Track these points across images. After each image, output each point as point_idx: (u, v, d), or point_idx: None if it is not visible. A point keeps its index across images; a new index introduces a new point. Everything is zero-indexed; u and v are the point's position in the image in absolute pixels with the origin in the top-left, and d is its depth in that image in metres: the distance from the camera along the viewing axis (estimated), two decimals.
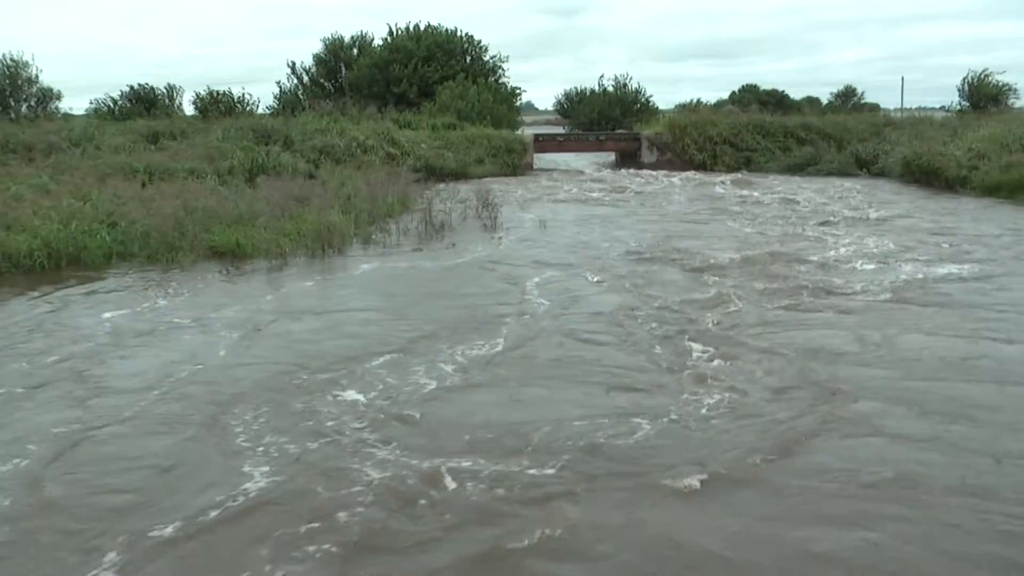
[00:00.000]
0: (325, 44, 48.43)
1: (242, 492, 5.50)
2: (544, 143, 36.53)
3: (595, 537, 4.96)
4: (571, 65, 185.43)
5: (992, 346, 8.63)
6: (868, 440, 6.31)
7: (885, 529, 5.00)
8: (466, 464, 5.88)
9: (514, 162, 31.91)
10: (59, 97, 42.58)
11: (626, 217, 19.44)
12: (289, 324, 9.84)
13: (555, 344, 8.89)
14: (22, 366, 8.35)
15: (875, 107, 57.21)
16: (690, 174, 30.78)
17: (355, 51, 47.89)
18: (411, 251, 14.92)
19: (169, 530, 5.03)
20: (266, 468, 5.87)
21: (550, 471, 5.79)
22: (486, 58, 47.03)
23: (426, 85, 42.87)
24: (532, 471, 5.79)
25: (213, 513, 5.23)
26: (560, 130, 48.80)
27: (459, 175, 28.68)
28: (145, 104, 40.32)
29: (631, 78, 52.27)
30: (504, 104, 41.45)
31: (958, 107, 42.39)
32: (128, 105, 40.46)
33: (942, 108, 44.72)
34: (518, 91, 46.24)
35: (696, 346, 8.64)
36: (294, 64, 48.62)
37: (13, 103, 40.66)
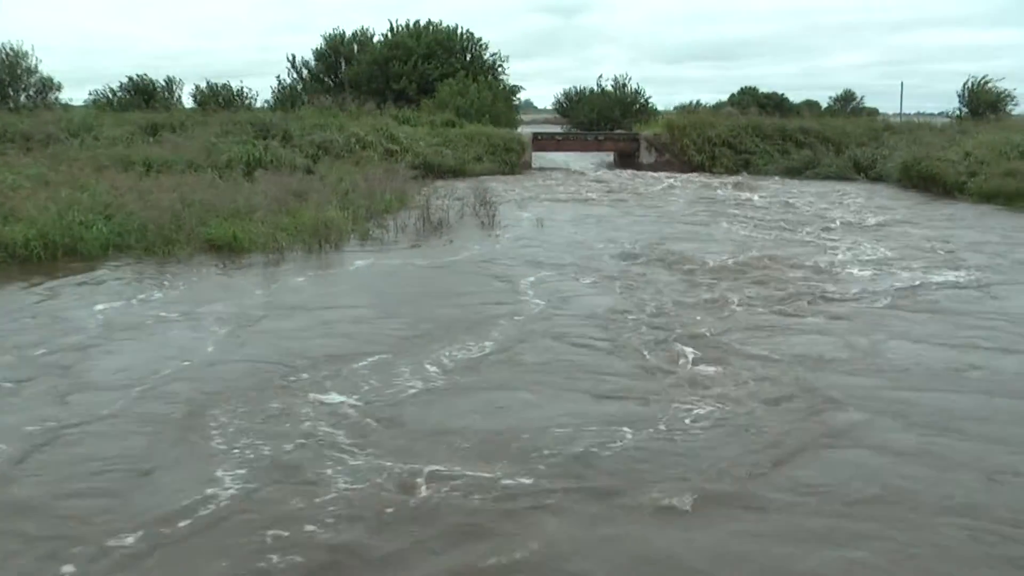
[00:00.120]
0: (326, 40, 48.46)
1: (211, 499, 5.35)
2: (543, 142, 36.46)
3: (574, 553, 4.82)
4: (571, 65, 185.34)
5: (983, 356, 8.55)
6: (855, 453, 6.19)
7: (871, 548, 4.87)
8: (442, 473, 5.73)
9: (512, 161, 31.85)
10: (58, 88, 42.62)
11: (623, 217, 19.40)
12: (280, 321, 9.76)
13: (544, 347, 8.80)
14: (9, 359, 8.27)
15: (874, 112, 57.25)
16: (688, 175, 30.75)
17: (355, 47, 47.88)
18: (408, 248, 14.89)
19: (130, 540, 4.87)
20: (239, 472, 5.73)
21: (529, 482, 5.64)
22: (486, 56, 47.06)
23: (426, 82, 42.81)
24: (510, 481, 5.64)
25: (179, 523, 5.07)
26: (559, 129, 48.77)
27: (457, 173, 28.62)
28: (144, 96, 40.33)
29: (630, 78, 52.23)
30: (503, 102, 41.44)
31: (958, 113, 42.49)
32: (127, 97, 40.47)
33: (941, 114, 44.83)
34: (517, 88, 46.30)
35: (686, 351, 8.54)
36: (294, 58, 48.67)
37: (12, 93, 40.65)
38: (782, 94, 61.32)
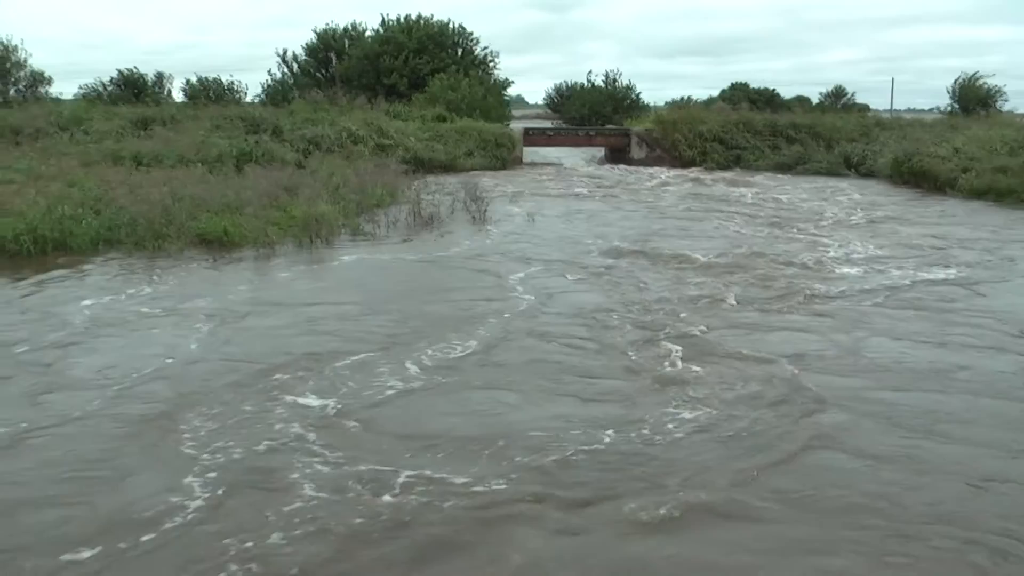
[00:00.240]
0: (317, 35, 48.35)
1: (177, 509, 5.18)
2: (534, 137, 36.41)
3: (553, 566, 4.70)
4: (563, 60, 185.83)
5: (969, 355, 8.48)
6: (838, 458, 6.08)
7: (855, 560, 4.75)
8: (415, 480, 5.58)
9: (503, 156, 31.81)
10: (49, 81, 42.53)
11: (613, 213, 19.35)
12: (266, 318, 9.67)
13: (529, 347, 8.69)
14: None
15: (864, 108, 57.29)
16: (679, 171, 30.73)
17: (347, 42, 47.81)
18: (398, 243, 14.84)
19: (87, 554, 4.69)
20: (208, 478, 5.59)
21: (504, 489, 5.49)
22: (477, 51, 47.02)
23: (417, 77, 42.73)
24: (483, 488, 5.49)
25: (141, 535, 4.88)
26: (550, 125, 48.78)
27: (448, 167, 28.57)
28: (134, 90, 40.24)
29: (620, 74, 52.35)
30: (494, 97, 41.41)
31: (950, 109, 42.63)
32: (118, 91, 40.38)
33: (932, 110, 44.98)
34: (508, 82, 46.26)
35: (670, 352, 8.45)
36: (285, 53, 48.57)
37: (2, 87, 40.52)
38: (773, 90, 61.42)
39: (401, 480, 5.58)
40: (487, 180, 25.02)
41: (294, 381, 7.46)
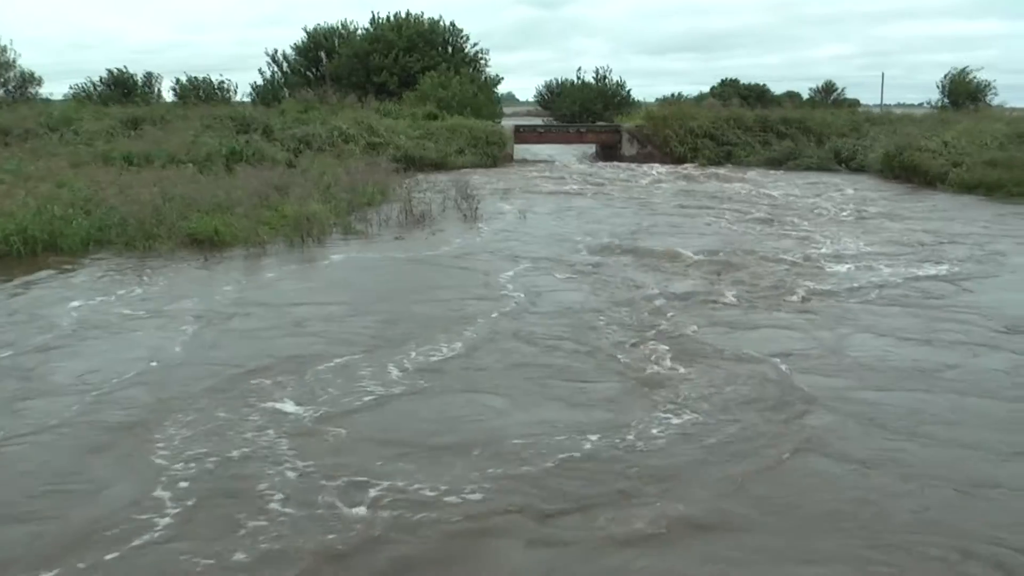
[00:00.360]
0: (308, 33, 48.29)
1: (145, 527, 5.01)
2: (524, 134, 36.37)
3: None
4: (553, 57, 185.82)
5: (955, 352, 8.42)
6: (821, 463, 5.95)
7: (839, 570, 4.65)
8: (389, 493, 5.40)
9: (494, 153, 31.76)
10: (39, 82, 42.48)
11: (603, 209, 19.31)
12: (252, 320, 9.57)
13: (517, 349, 8.57)
14: None
15: (855, 103, 57.43)
16: (670, 167, 30.69)
17: (336, 41, 47.75)
18: (390, 241, 14.78)
19: None
20: (180, 489, 5.45)
21: (483, 501, 5.34)
22: (468, 48, 46.97)
23: (407, 75, 42.65)
24: (457, 499, 5.34)
25: (105, 554, 4.72)
26: (541, 122, 48.79)
27: (439, 165, 28.48)
28: (124, 90, 40.17)
29: (611, 70, 52.43)
30: (485, 95, 41.37)
31: (940, 103, 42.76)
32: (108, 91, 40.32)
33: (922, 104, 45.11)
34: (498, 79, 46.23)
35: (658, 352, 8.37)
36: (275, 52, 48.50)
37: None
38: (764, 85, 61.54)
39: (373, 493, 5.42)
40: (478, 178, 24.98)
41: (275, 385, 7.35)
